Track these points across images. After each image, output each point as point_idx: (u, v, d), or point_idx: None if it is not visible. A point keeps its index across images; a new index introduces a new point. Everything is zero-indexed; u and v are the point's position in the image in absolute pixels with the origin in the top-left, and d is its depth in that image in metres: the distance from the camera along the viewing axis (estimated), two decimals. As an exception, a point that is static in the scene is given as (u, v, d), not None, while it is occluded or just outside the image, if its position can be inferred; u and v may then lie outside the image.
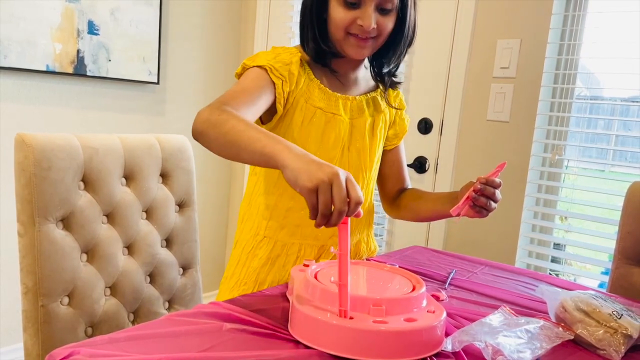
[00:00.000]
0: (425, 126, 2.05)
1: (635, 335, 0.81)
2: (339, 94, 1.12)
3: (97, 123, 2.09)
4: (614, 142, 1.79)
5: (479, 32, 1.90)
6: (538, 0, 1.77)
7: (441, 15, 1.98)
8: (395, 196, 1.27)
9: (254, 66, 1.03)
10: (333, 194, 0.71)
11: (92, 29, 1.96)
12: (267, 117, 1.08)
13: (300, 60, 1.08)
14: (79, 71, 1.95)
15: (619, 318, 0.82)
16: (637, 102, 1.75)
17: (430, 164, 2.04)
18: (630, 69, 1.68)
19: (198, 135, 0.91)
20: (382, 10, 1.03)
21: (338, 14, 1.03)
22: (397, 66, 1.16)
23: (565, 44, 1.79)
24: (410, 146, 2.09)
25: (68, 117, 2.01)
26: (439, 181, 2.01)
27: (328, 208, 0.71)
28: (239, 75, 1.06)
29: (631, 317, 0.84)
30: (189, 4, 2.34)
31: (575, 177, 1.85)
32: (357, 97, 1.14)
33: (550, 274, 1.86)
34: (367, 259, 1.20)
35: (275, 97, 1.03)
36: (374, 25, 1.02)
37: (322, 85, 1.10)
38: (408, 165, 2.07)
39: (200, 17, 2.39)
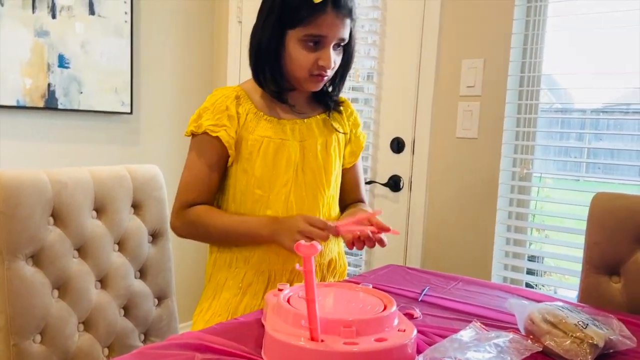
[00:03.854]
0: (397, 145, 2.08)
1: (601, 345, 0.83)
2: (286, 120, 1.15)
3: (71, 156, 2.08)
4: (584, 153, 1.85)
5: (444, 52, 1.96)
6: (499, 21, 1.84)
7: (407, 38, 2.04)
8: None
9: (199, 134, 1.12)
10: (311, 236, 0.99)
11: (62, 62, 1.97)
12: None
13: (237, 98, 1.12)
14: (50, 105, 1.95)
15: (585, 328, 0.84)
16: (606, 112, 1.81)
17: (405, 182, 2.07)
18: (592, 82, 1.75)
19: (186, 238, 1.17)
20: (336, 46, 1.09)
21: (300, 55, 1.07)
22: (340, 90, 1.22)
23: (528, 62, 1.85)
24: (383, 165, 2.12)
25: (41, 152, 1.99)
26: (413, 199, 2.04)
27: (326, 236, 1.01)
28: (190, 134, 1.15)
29: (597, 326, 0.86)
30: (161, 34, 2.36)
31: (547, 189, 1.90)
32: (305, 120, 1.18)
33: (531, 285, 1.89)
34: (344, 281, 1.21)
35: (226, 146, 1.11)
36: (333, 65, 1.09)
37: (267, 116, 1.14)
38: (383, 185, 2.10)
39: (172, 47, 2.41)
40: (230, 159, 1.13)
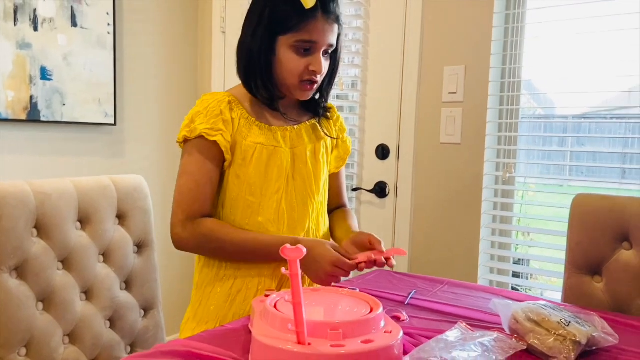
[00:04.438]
0: (382, 152, 2.10)
1: (583, 342, 0.84)
2: (277, 127, 1.16)
3: (55, 168, 2.06)
4: (566, 156, 1.88)
5: (426, 60, 1.99)
6: (479, 28, 1.88)
7: (390, 46, 2.06)
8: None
9: (193, 138, 1.10)
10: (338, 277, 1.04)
11: (44, 74, 1.96)
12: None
13: (229, 103, 1.12)
14: (32, 117, 1.93)
15: (567, 325, 0.85)
16: (587, 117, 1.85)
17: (390, 188, 2.09)
18: (571, 88, 1.79)
19: (193, 252, 1.15)
20: (325, 53, 1.11)
21: (292, 61, 1.09)
22: (328, 96, 1.24)
23: (508, 68, 1.89)
24: (369, 172, 2.14)
25: (24, 164, 1.97)
26: (399, 204, 2.06)
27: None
28: (181, 143, 1.13)
29: (579, 323, 0.88)
30: (144, 45, 2.35)
31: (531, 192, 1.93)
32: (295, 127, 1.19)
33: (516, 288, 1.90)
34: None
35: (222, 150, 1.10)
36: (324, 70, 1.11)
37: (259, 122, 1.14)
38: (369, 191, 2.12)
39: (155, 58, 2.41)
40: (225, 164, 1.13)
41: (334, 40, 1.11)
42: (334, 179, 1.31)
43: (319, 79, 1.12)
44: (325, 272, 1.02)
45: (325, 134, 1.24)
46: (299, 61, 1.08)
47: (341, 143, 1.29)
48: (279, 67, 1.10)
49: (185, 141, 1.12)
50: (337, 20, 1.10)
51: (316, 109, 1.23)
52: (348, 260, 1.02)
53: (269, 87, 1.12)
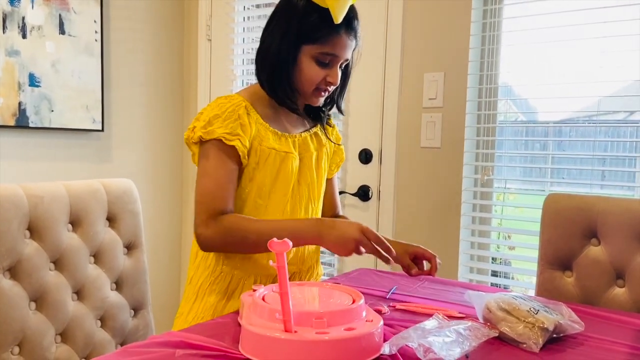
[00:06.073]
0: (365, 156, 2.16)
1: (550, 328, 0.91)
2: (288, 134, 1.21)
3: (43, 174, 2.08)
4: (543, 160, 1.96)
5: (407, 67, 2.06)
6: (457, 37, 1.95)
7: (372, 54, 2.13)
8: None
9: (210, 139, 1.10)
10: (371, 240, 1.02)
11: (33, 81, 1.98)
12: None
13: (246, 107, 1.15)
14: (20, 123, 1.96)
15: (536, 313, 0.91)
16: (566, 123, 1.93)
17: (373, 192, 2.15)
18: (547, 93, 1.88)
19: (219, 251, 1.14)
20: (340, 65, 1.18)
21: (312, 71, 1.14)
22: (341, 105, 1.30)
23: (485, 75, 1.97)
24: (353, 176, 2.20)
25: (13, 170, 1.99)
26: (382, 207, 2.12)
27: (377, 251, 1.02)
28: (190, 141, 1.14)
29: (547, 312, 0.94)
30: (131, 51, 2.39)
31: (509, 194, 2.00)
32: (302, 134, 1.24)
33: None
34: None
35: (240, 154, 1.12)
36: (339, 82, 1.18)
37: (272, 128, 1.18)
38: (353, 194, 2.18)
39: (142, 64, 2.45)
40: (241, 167, 1.15)
41: (350, 55, 1.17)
42: (328, 184, 1.36)
43: (331, 89, 1.19)
44: (353, 238, 1.01)
45: (328, 139, 1.30)
46: (319, 71, 1.14)
47: (337, 150, 1.35)
48: (298, 74, 1.15)
49: (201, 142, 1.12)
50: (355, 36, 1.16)
51: (321, 116, 1.28)
52: (375, 231, 1.03)
53: (294, 93, 1.17)
